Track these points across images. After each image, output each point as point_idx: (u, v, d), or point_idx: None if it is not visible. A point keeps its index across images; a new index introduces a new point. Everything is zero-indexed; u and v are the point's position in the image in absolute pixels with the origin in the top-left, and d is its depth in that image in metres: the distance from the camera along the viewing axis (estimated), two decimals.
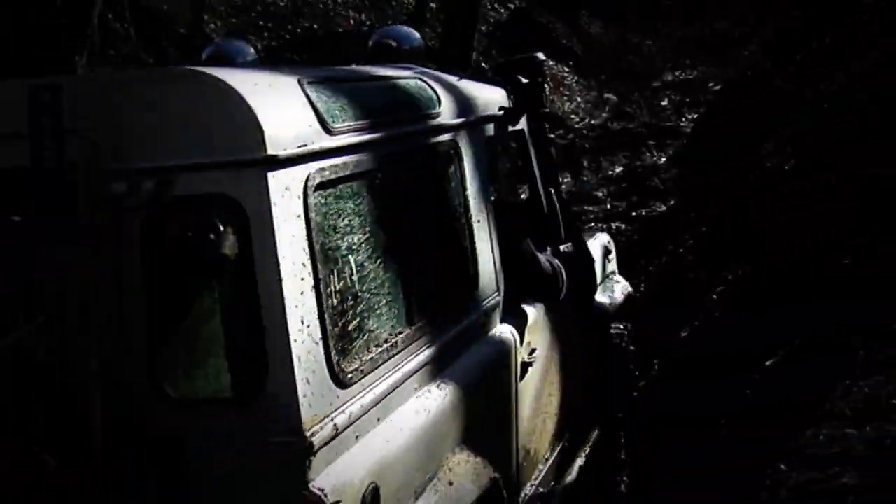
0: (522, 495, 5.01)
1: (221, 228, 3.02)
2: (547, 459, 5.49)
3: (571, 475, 5.80)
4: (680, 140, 20.42)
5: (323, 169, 3.33)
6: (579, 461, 6.01)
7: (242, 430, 3.07)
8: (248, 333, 3.06)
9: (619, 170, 17.76)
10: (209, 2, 12.99)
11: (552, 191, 5.68)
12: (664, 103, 25.28)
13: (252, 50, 5.55)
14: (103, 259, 3.03)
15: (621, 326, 6.85)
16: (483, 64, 18.50)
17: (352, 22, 18.07)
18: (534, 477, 5.25)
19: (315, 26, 16.82)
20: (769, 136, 12.92)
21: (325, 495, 3.04)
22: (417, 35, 5.81)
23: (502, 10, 25.10)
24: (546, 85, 6.09)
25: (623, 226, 13.32)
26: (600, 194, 15.88)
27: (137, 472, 2.97)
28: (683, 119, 23.17)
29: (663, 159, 19.06)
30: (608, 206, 15.05)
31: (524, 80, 5.49)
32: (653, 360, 8.52)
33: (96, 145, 3.05)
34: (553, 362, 5.49)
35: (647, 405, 7.84)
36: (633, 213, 14.45)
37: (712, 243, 9.87)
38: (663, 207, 14.71)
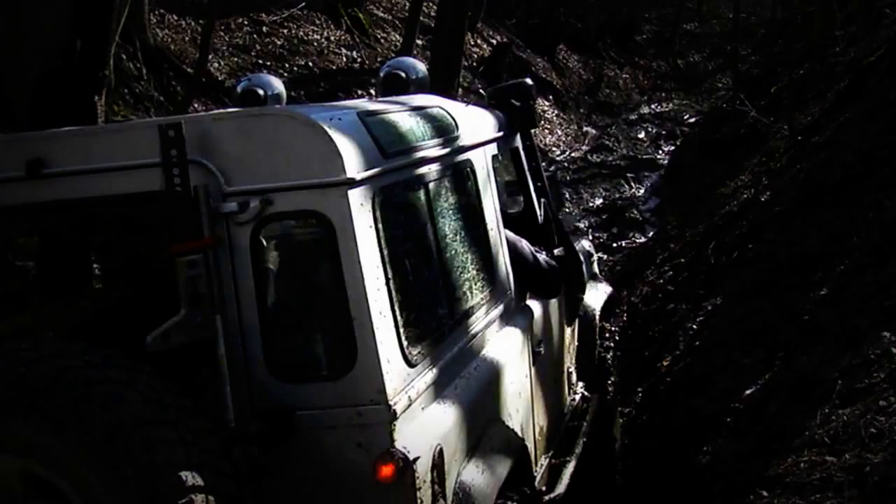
0: (539, 465, 5.64)
1: (265, 244, 3.78)
2: (554, 437, 6.14)
3: (576, 452, 6.32)
4: (657, 172, 20.68)
5: (384, 187, 3.99)
6: (582, 440, 6.54)
7: (338, 402, 3.75)
8: (340, 322, 3.73)
9: (599, 202, 17.86)
10: (212, 42, 13.16)
11: (544, 201, 6.34)
12: (641, 136, 25.44)
13: (279, 82, 6.23)
14: (221, 265, 3.74)
15: (604, 324, 7.70)
16: (470, 96, 18.78)
17: (344, 59, 18.35)
18: (547, 451, 5.94)
19: (310, 64, 17.12)
20: (744, 167, 13.06)
21: (408, 452, 3.72)
22: (423, 66, 6.39)
23: (484, 46, 25.30)
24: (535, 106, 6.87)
25: (605, 256, 13.42)
26: (582, 226, 16.07)
27: (258, 436, 3.66)
28: (660, 151, 23.39)
29: (641, 191, 19.25)
30: (590, 238, 15.21)
31: (517, 103, 6.22)
32: (636, 388, 8.63)
33: (212, 172, 3.73)
34: (553, 352, 6.17)
35: (631, 434, 7.96)
36: (615, 245, 14.54)
37: (692, 274, 9.96)
38: (643, 238, 14.87)
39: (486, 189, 5.32)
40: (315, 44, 18.30)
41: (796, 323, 7.38)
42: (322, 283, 3.92)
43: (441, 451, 3.97)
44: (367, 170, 3.86)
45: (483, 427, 4.51)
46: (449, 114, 5.12)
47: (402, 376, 3.87)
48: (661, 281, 10.50)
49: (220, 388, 3.67)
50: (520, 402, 5.19)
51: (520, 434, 5.05)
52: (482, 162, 5.35)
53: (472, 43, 24.22)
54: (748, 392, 7.06)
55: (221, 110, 4.20)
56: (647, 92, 32.37)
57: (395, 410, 3.75)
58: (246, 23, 17.32)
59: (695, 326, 8.73)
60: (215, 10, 12.61)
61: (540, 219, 6.26)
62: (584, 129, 25.20)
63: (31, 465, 3.40)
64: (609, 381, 7.64)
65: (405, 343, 3.93)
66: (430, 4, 22.37)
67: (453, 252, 4.73)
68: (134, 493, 3.27)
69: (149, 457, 3.28)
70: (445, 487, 3.99)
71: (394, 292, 3.89)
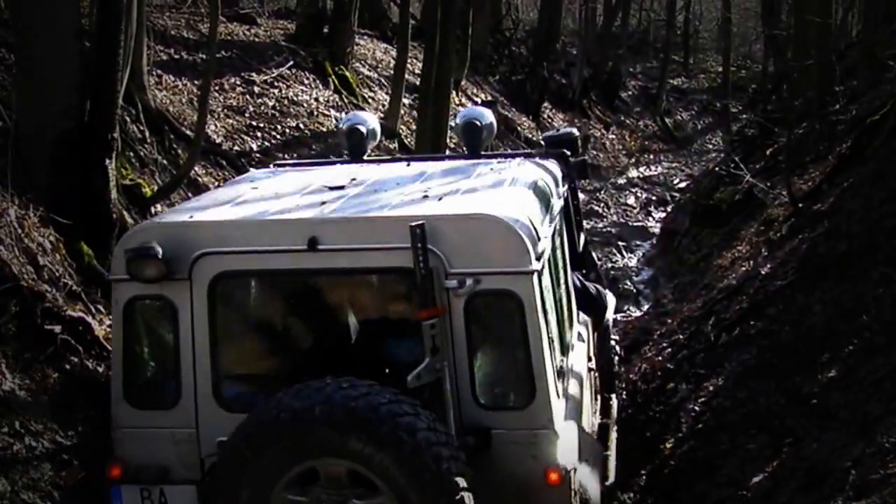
0: None
1: (474, 312, 5.33)
2: (595, 433, 7.38)
3: (614, 446, 7.75)
4: (649, 240, 20.56)
5: (541, 268, 5.47)
6: (614, 434, 7.93)
7: (520, 425, 5.33)
8: (524, 370, 5.34)
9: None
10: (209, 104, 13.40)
11: (583, 234, 8.08)
12: (630, 201, 25.39)
13: (374, 118, 7.87)
14: (446, 325, 5.27)
15: (615, 339, 9.54)
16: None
17: (333, 121, 18.49)
18: None
19: (301, 126, 17.28)
20: (742, 236, 12.91)
21: (566, 465, 5.32)
22: (490, 113, 7.80)
23: (469, 104, 25.33)
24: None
25: None
26: None
27: (472, 447, 5.23)
28: (651, 218, 23.33)
29: (634, 261, 19.17)
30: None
31: (570, 154, 7.73)
32: (640, 470, 8.47)
33: (440, 257, 5.24)
34: (594, 362, 7.70)
35: None
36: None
37: (691, 351, 9.81)
38: (638, 312, 14.71)
39: (564, 235, 6.86)
40: (305, 104, 18.41)
41: (804, 407, 7.29)
42: (511, 342, 5.44)
43: (576, 467, 5.46)
44: (538, 259, 5.39)
45: (580, 438, 5.80)
46: (548, 184, 6.64)
47: (557, 409, 5.43)
48: (660, 358, 10.32)
49: (445, 414, 5.21)
50: (588, 408, 6.75)
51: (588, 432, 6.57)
52: (561, 212, 6.82)
53: (458, 101, 24.24)
54: (756, 480, 6.95)
55: (437, 211, 5.62)
56: (635, 154, 32.40)
57: (558, 434, 5.37)
58: (238, 83, 17.43)
59: (697, 408, 8.57)
60: (212, 74, 12.65)
61: (580, 248, 7.86)
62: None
63: (357, 467, 5.07)
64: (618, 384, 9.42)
65: (557, 384, 5.53)
66: (416, 61, 22.42)
67: (564, 302, 6.31)
68: (429, 491, 4.95)
69: (437, 467, 4.93)
70: (575, 489, 5.49)
71: (553, 346, 5.56)
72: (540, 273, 5.41)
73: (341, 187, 6.26)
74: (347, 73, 20.58)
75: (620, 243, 20.30)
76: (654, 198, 25.82)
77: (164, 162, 12.58)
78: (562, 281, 6.36)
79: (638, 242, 20.68)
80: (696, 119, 40.44)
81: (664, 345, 10.63)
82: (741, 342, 9.06)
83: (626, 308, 15.35)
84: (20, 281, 7.71)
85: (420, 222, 5.19)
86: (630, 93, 39.54)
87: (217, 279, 5.56)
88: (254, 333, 6.15)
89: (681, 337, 10.43)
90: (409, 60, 19.98)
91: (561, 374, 5.73)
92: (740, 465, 7.27)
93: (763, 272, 10.17)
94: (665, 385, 9.56)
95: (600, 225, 22.30)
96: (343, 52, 20.77)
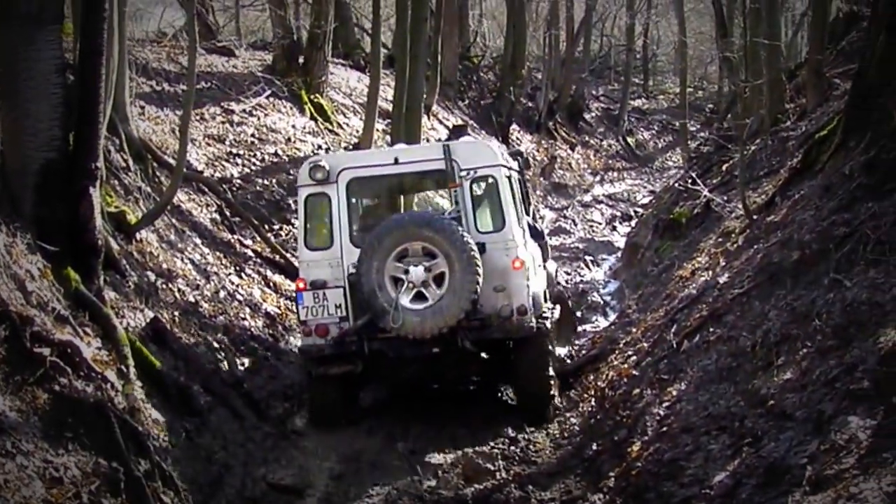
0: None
1: (473, 187, 11.17)
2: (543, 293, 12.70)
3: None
4: (614, 254, 20.80)
5: (506, 168, 11.30)
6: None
7: (499, 240, 10.66)
8: (500, 213, 10.84)
9: (560, 286, 17.90)
10: (190, 133, 13.66)
11: (532, 205, 13.58)
12: (596, 217, 25.56)
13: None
14: (461, 192, 10.87)
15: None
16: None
17: (310, 146, 18.69)
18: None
19: (279, 152, 17.53)
20: (701, 248, 13.14)
21: (524, 259, 10.98)
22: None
23: (440, 127, 25.54)
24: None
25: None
26: None
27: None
28: (616, 233, 23.56)
29: (601, 274, 19.39)
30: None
31: (521, 157, 13.68)
32: (608, 472, 8.65)
33: (456, 161, 10.76)
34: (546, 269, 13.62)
35: None
36: (579, 329, 14.56)
37: (655, 359, 10.02)
38: (605, 322, 14.90)
39: (520, 191, 12.07)
40: (282, 131, 18.63)
41: (762, 408, 7.40)
42: (492, 201, 10.79)
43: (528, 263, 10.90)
44: (504, 164, 11.01)
45: (533, 260, 11.23)
46: (506, 155, 12.12)
47: (517, 234, 10.69)
48: (626, 365, 10.51)
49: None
50: (540, 272, 12.12)
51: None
52: (518, 177, 12.18)
53: (429, 126, 24.45)
54: (718, 478, 7.08)
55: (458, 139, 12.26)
56: (600, 172, 32.64)
57: (517, 244, 10.59)
58: (218, 112, 17.61)
59: (661, 412, 8.69)
60: (191, 105, 12.92)
61: (530, 209, 12.95)
62: (542, 211, 25.45)
63: (427, 245, 10.20)
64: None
65: (517, 223, 10.83)
66: (388, 88, 22.61)
67: (522, 207, 11.55)
68: (460, 251, 10.12)
69: (465, 241, 10.18)
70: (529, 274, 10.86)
71: (516, 208, 10.97)
72: (506, 168, 10.99)
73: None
74: (322, 101, 20.80)
75: (587, 257, 20.61)
76: (618, 213, 26.10)
77: (148, 189, 12.80)
78: (519, 198, 11.59)
79: (604, 256, 21.06)
80: (657, 138, 40.85)
81: (629, 353, 10.86)
82: (702, 348, 9.23)
83: (594, 319, 15.63)
84: (9, 306, 7.87)
85: (448, 144, 10.83)
86: (593, 114, 39.87)
87: (350, 181, 10.90)
88: (368, 207, 12.04)
89: (645, 345, 10.64)
90: (381, 87, 20.21)
91: (519, 221, 10.95)
92: (703, 465, 7.38)
93: (721, 281, 10.37)
94: (631, 391, 9.72)
95: (568, 241, 22.58)
96: (318, 81, 21.02)
